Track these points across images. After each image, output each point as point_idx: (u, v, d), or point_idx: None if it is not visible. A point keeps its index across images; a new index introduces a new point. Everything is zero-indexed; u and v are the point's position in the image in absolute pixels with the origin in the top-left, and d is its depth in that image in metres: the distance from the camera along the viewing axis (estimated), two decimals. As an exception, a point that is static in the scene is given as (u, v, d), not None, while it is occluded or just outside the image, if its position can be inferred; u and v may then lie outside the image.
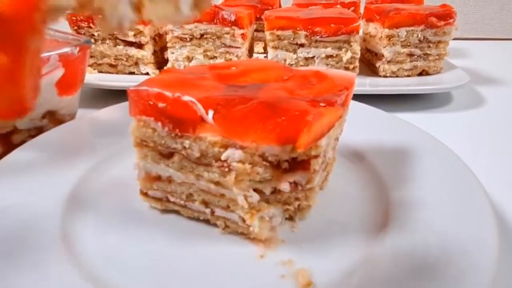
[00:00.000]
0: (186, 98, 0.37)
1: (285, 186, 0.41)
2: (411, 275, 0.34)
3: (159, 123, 0.40)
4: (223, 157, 0.38)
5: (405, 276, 0.34)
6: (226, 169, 0.39)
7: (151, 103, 0.39)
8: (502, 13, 1.57)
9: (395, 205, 0.44)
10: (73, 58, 0.58)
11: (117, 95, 0.83)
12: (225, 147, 0.38)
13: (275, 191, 0.42)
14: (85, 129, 0.62)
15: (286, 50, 0.89)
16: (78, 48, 0.58)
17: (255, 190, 0.40)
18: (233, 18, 0.88)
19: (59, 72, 0.58)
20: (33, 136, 0.59)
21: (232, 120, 0.37)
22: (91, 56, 0.93)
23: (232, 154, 0.38)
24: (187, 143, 0.39)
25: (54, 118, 0.62)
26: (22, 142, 0.58)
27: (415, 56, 0.91)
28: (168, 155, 0.42)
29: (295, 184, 0.41)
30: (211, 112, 0.37)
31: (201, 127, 0.38)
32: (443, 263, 0.35)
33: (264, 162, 0.39)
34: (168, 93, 0.38)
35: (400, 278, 0.34)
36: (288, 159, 0.39)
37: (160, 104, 0.39)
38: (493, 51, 1.38)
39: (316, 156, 0.39)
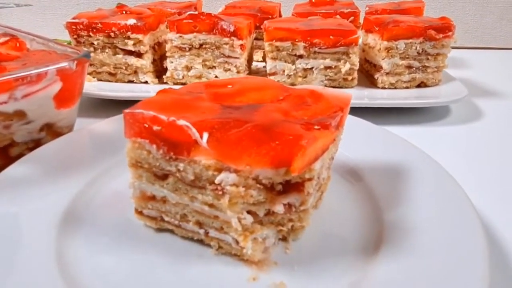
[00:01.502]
0: (181, 122, 0.38)
1: (279, 208, 0.41)
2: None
3: (154, 146, 0.40)
4: (217, 181, 0.38)
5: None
6: (220, 192, 0.39)
7: (146, 126, 0.39)
8: (502, 22, 1.57)
9: (389, 227, 0.44)
10: (71, 72, 0.59)
11: (116, 104, 0.84)
12: (219, 170, 0.38)
13: (269, 212, 0.42)
14: (83, 142, 0.62)
15: (285, 61, 0.90)
16: (76, 62, 0.59)
17: (248, 212, 0.41)
18: (232, 28, 0.88)
19: (57, 86, 0.58)
20: (30, 149, 0.59)
21: (226, 144, 0.38)
22: (91, 64, 0.93)
23: (226, 178, 0.38)
24: (181, 166, 0.39)
25: (51, 131, 0.62)
26: (20, 154, 0.59)
27: (414, 68, 0.91)
28: (162, 176, 0.42)
29: (289, 206, 0.41)
30: (205, 136, 0.37)
31: (195, 151, 0.38)
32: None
33: (258, 185, 0.39)
34: (163, 117, 0.38)
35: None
36: (282, 181, 0.40)
37: (155, 127, 0.39)
38: (493, 60, 1.38)
39: (310, 179, 0.39)
